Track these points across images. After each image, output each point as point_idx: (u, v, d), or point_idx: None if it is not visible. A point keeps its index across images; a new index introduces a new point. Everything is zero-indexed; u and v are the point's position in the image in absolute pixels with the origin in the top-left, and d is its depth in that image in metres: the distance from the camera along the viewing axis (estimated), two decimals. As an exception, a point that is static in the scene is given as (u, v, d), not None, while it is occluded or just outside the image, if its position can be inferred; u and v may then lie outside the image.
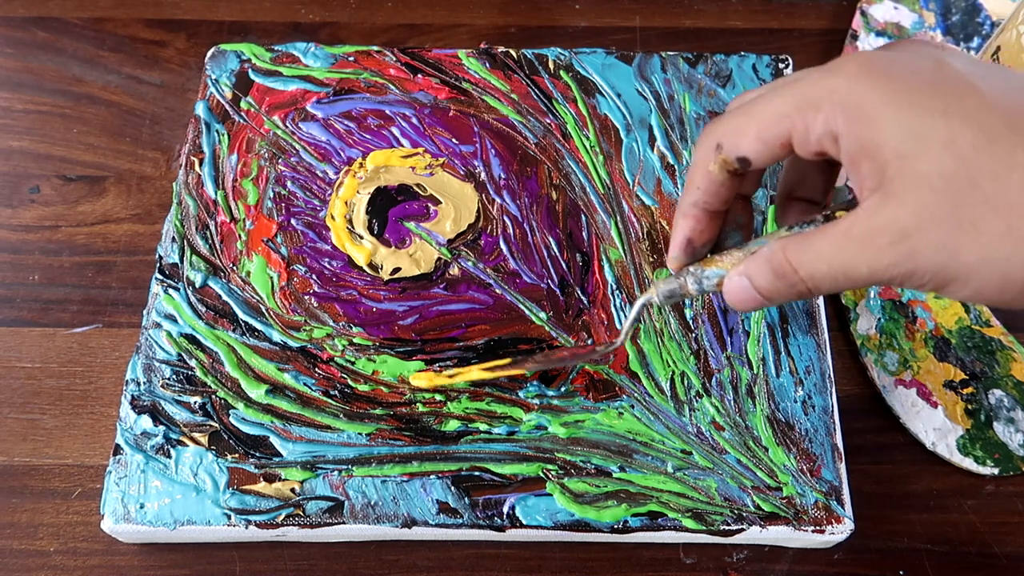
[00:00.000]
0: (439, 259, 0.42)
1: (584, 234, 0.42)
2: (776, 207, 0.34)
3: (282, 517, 0.36)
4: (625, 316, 0.40)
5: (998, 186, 0.25)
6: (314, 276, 0.41)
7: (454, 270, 0.41)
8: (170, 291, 0.40)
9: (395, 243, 0.42)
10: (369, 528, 0.36)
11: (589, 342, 0.40)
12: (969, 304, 0.43)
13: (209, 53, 0.47)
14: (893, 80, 0.27)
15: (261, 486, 0.36)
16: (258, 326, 0.40)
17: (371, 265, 0.41)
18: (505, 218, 0.43)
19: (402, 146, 0.45)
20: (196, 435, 0.37)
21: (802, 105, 0.28)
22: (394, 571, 0.37)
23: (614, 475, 0.37)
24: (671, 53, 0.48)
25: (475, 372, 0.38)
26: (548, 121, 0.45)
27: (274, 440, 0.37)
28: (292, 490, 0.36)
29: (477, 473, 0.37)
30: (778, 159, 0.30)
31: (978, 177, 0.26)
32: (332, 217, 0.43)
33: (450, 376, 0.38)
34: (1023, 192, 0.25)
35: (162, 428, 0.37)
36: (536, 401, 0.38)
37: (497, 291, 0.41)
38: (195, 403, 0.38)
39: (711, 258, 0.32)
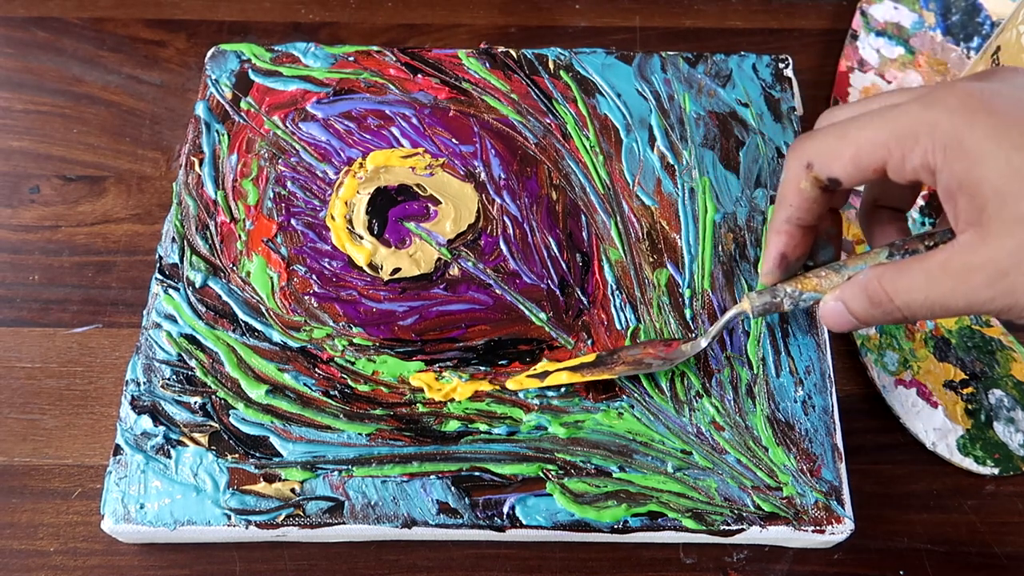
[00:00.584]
0: (439, 259, 0.42)
1: (584, 234, 0.42)
2: (861, 213, 0.35)
3: (282, 517, 0.36)
4: (625, 316, 0.40)
5: None
6: (314, 276, 0.41)
7: (454, 270, 0.41)
8: (170, 291, 0.40)
9: (395, 243, 0.42)
10: (369, 528, 0.36)
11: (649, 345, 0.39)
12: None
13: (209, 53, 0.47)
14: (993, 115, 0.27)
15: (261, 486, 0.36)
16: (258, 326, 0.40)
17: (371, 265, 0.41)
18: (505, 218, 0.43)
19: (402, 146, 0.45)
20: (196, 435, 0.37)
21: (900, 136, 0.28)
22: (394, 571, 0.37)
23: (614, 475, 0.37)
24: (671, 53, 0.48)
25: (564, 376, 0.38)
26: (548, 121, 0.45)
27: (274, 440, 0.37)
28: (292, 490, 0.36)
29: (477, 473, 0.37)
30: (869, 181, 0.30)
31: None
32: (332, 217, 0.43)
33: (539, 378, 0.38)
34: None
35: (162, 428, 0.37)
36: (536, 401, 0.38)
37: (497, 291, 0.41)
38: (195, 403, 0.38)
39: (807, 278, 0.33)
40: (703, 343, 0.38)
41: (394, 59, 0.47)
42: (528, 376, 0.38)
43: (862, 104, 0.31)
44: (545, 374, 0.38)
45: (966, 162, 0.27)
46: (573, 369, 0.38)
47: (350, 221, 0.43)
